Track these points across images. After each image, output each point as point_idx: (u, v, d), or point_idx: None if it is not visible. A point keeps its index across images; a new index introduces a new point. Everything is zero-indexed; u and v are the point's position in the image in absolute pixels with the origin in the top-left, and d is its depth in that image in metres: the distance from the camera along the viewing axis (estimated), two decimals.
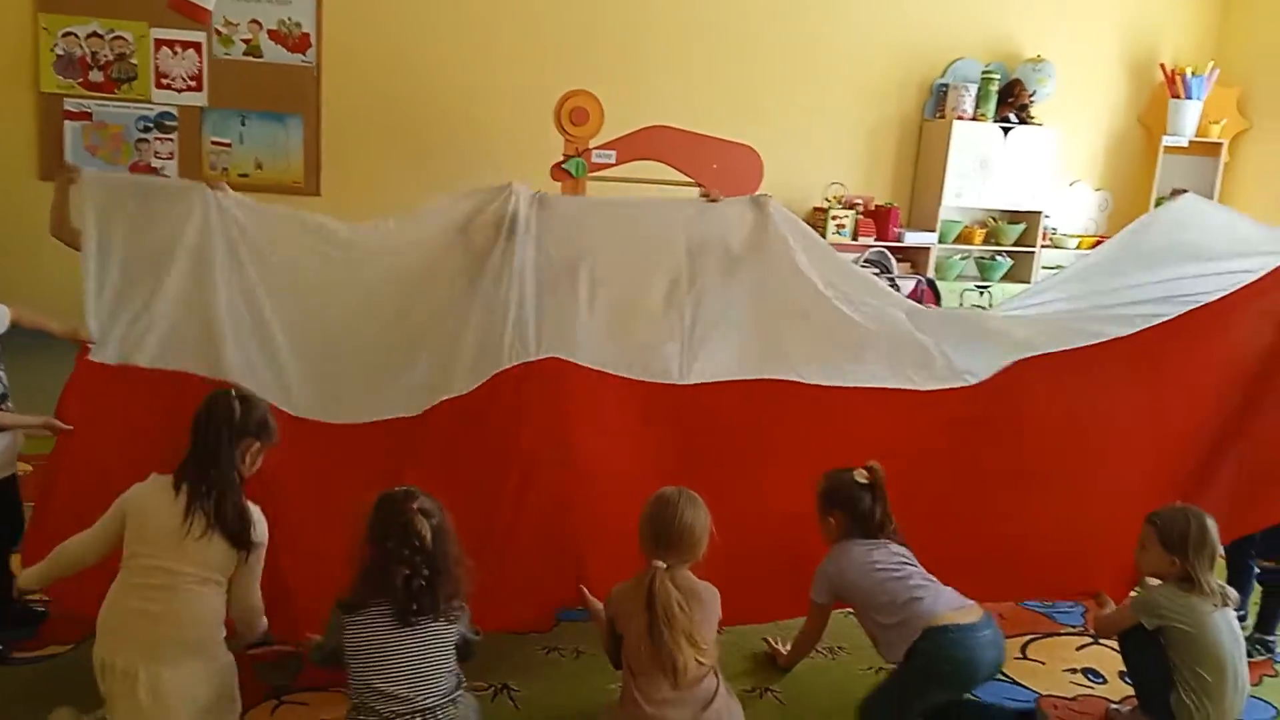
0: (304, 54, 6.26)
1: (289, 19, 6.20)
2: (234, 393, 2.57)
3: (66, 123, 5.94)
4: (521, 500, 3.05)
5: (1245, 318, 3.56)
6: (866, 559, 2.87)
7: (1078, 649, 3.49)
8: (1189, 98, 7.50)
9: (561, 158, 5.53)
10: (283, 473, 2.92)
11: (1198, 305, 3.51)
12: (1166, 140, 7.56)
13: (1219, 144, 7.60)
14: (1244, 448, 3.51)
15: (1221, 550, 3.59)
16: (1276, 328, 3.56)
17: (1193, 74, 7.48)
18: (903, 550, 2.90)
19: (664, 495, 2.60)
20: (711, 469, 3.10)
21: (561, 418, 3.16)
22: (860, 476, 2.91)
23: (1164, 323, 3.49)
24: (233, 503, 2.44)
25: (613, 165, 5.53)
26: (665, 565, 2.49)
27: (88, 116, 5.99)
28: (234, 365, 3.09)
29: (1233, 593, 2.93)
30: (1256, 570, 3.67)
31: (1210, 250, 3.58)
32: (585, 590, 2.88)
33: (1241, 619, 3.66)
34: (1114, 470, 3.37)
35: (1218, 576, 2.92)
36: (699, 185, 5.71)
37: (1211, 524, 2.89)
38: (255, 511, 2.51)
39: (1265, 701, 3.27)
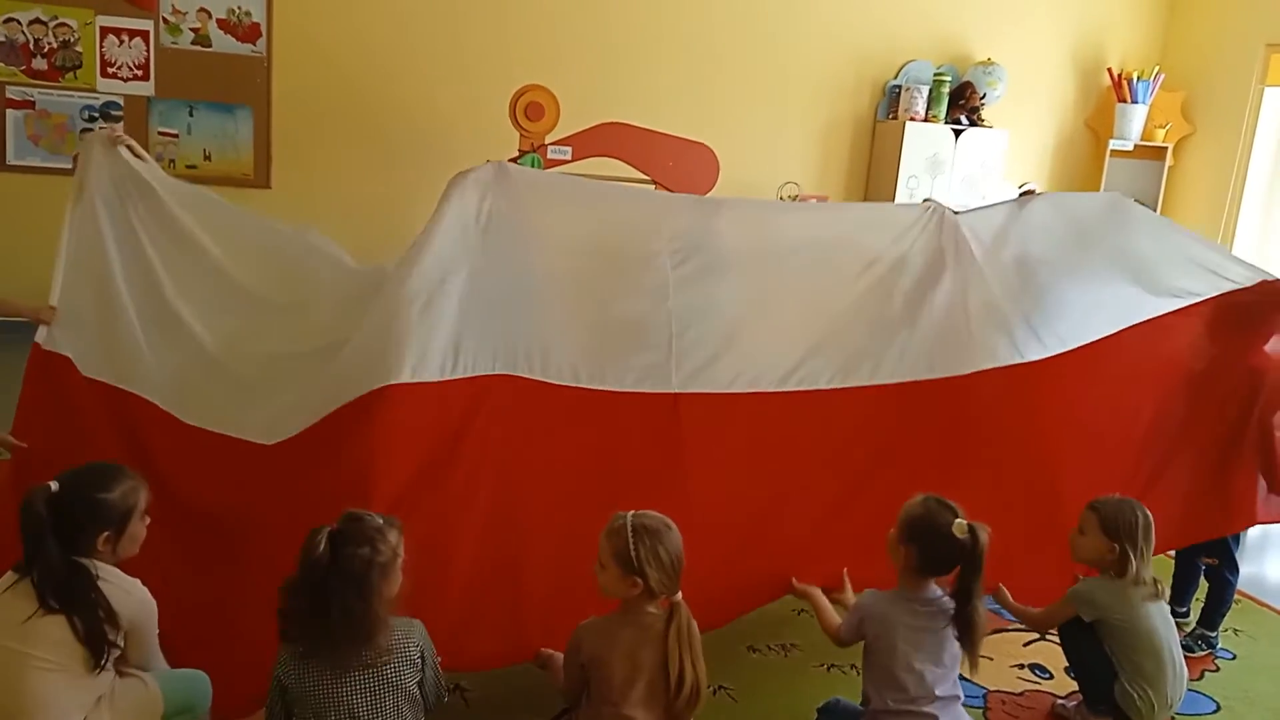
0: (254, 44, 6.15)
1: (238, 8, 6.10)
2: (51, 488, 2.30)
3: (8, 111, 5.78)
4: (468, 534, 2.80)
5: (1184, 337, 3.66)
6: (899, 618, 2.65)
7: (1024, 645, 3.55)
8: (1135, 102, 7.63)
9: (517, 153, 5.50)
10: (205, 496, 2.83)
11: (1139, 322, 3.61)
12: (1113, 144, 7.69)
13: (1164, 148, 7.74)
14: (1179, 466, 3.61)
15: (1172, 551, 3.71)
16: (1215, 344, 3.66)
17: (1139, 78, 7.62)
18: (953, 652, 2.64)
19: (652, 528, 2.40)
20: (701, 480, 3.05)
21: (513, 443, 2.92)
22: (958, 531, 2.56)
23: (1106, 337, 3.59)
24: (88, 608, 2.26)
25: (568, 161, 5.51)
26: (680, 596, 2.42)
27: (30, 105, 5.84)
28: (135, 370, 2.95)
29: (1164, 589, 2.98)
30: (1202, 567, 3.75)
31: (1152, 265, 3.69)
32: (543, 651, 2.72)
33: (1184, 616, 3.75)
34: (1052, 478, 3.42)
35: (1159, 573, 2.99)
36: (654, 182, 5.72)
37: (1151, 517, 2.95)
38: (124, 590, 2.33)
39: (1207, 696, 3.35)
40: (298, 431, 2.89)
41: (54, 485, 2.31)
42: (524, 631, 2.78)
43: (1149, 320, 3.64)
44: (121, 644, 2.32)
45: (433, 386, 2.82)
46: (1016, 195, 3.74)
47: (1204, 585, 3.78)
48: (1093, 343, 3.59)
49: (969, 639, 2.62)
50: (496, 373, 2.92)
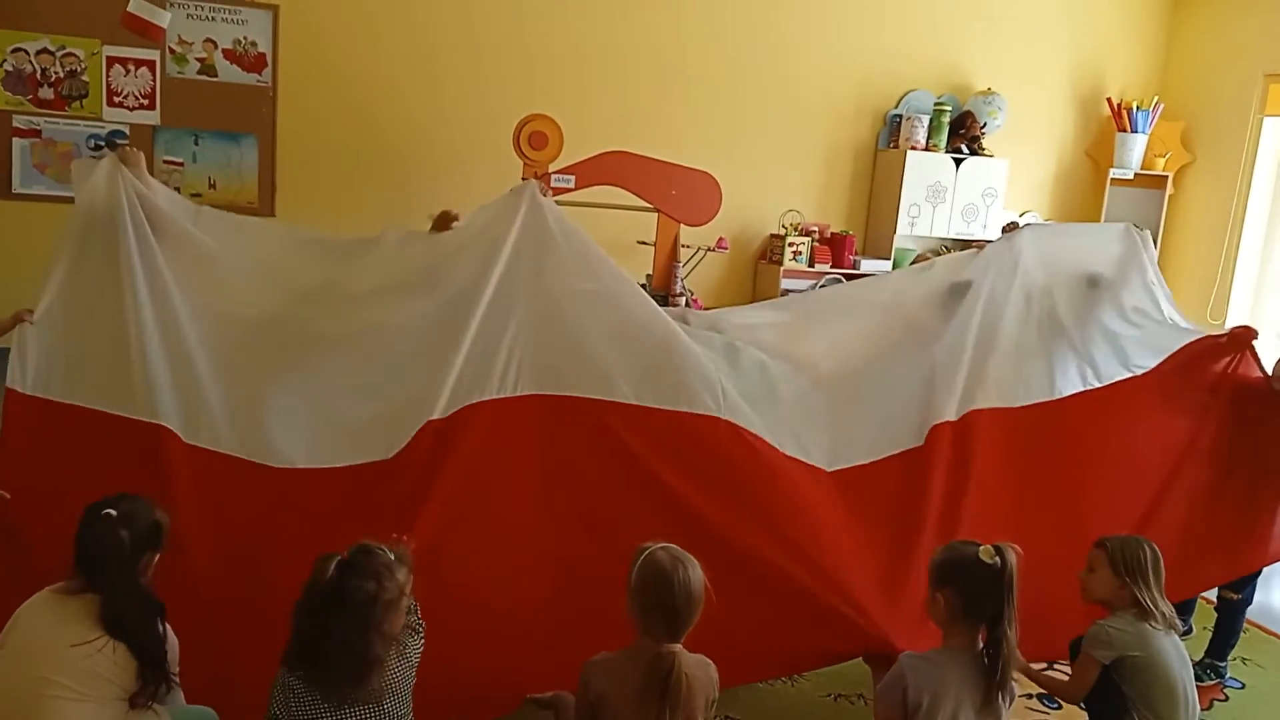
0: (259, 74, 6.19)
1: (244, 38, 6.14)
2: (115, 513, 2.29)
3: (14, 140, 5.81)
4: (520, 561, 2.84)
5: (1173, 388, 3.70)
6: (953, 682, 2.49)
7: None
8: (1135, 131, 7.67)
9: (520, 181, 5.51)
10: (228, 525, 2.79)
11: (1127, 377, 3.64)
12: (1113, 173, 7.72)
13: (1164, 177, 7.77)
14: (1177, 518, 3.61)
15: None
16: (1207, 394, 3.70)
17: (1138, 108, 7.66)
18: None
19: (658, 563, 2.31)
20: (736, 509, 3.03)
21: (559, 463, 2.98)
22: (985, 555, 2.47)
23: (1094, 389, 3.64)
24: (149, 631, 2.27)
25: (572, 190, 5.53)
26: (679, 648, 2.30)
27: (37, 134, 5.87)
28: (155, 400, 2.89)
29: (1178, 622, 2.96)
30: (1214, 598, 3.74)
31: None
32: (542, 696, 2.63)
33: (1188, 634, 3.74)
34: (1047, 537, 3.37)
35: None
36: (656, 210, 5.74)
37: (1158, 550, 2.93)
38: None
39: None
40: (329, 466, 2.91)
41: (112, 512, 2.29)
42: (520, 675, 2.74)
43: (1159, 365, 3.69)
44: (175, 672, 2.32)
45: (483, 406, 2.93)
46: (1001, 231, 3.79)
47: (1207, 613, 3.77)
48: (1119, 382, 3.65)
49: (997, 669, 2.48)
50: (543, 393, 3.04)
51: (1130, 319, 3.77)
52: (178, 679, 2.40)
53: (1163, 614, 2.87)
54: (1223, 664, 3.68)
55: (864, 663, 2.93)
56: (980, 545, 2.52)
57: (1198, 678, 3.42)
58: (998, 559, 2.47)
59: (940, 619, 2.59)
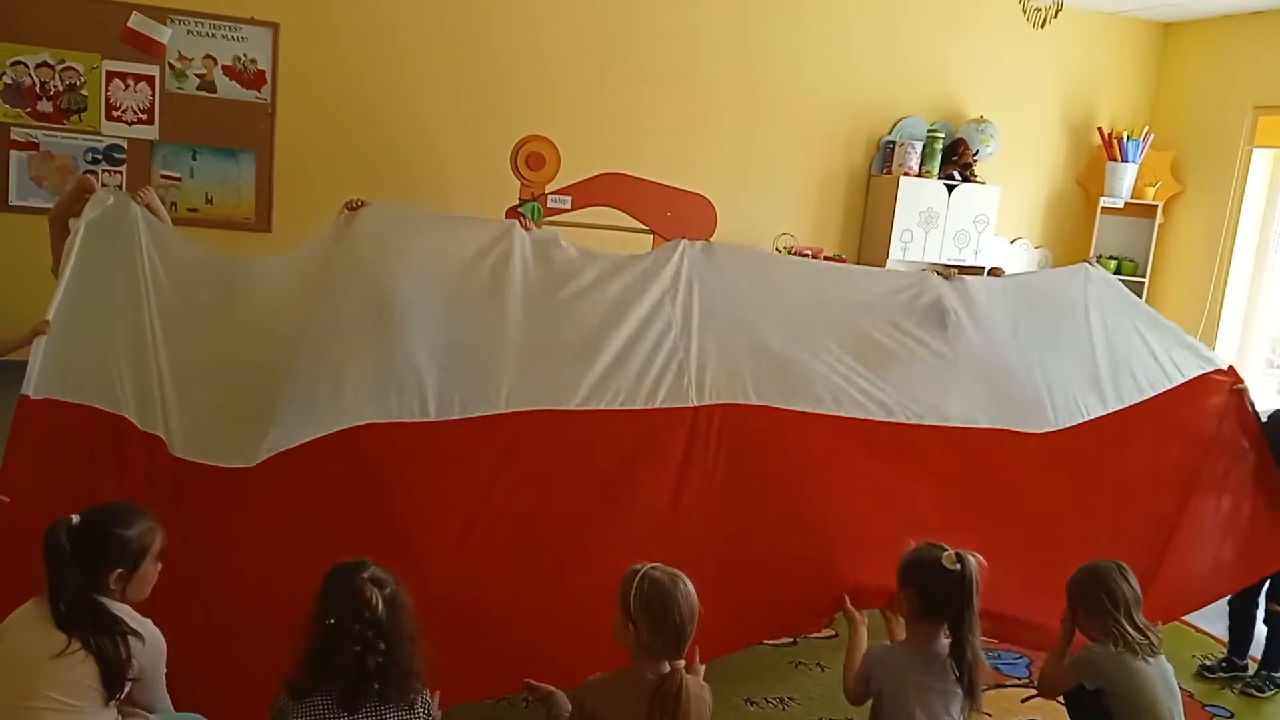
0: (259, 90, 6.23)
1: (244, 55, 6.18)
2: (72, 520, 2.30)
3: (12, 152, 5.84)
4: (477, 561, 2.87)
5: (1168, 421, 3.77)
6: (910, 675, 2.58)
7: (1023, 700, 3.54)
8: (1125, 160, 7.75)
9: (517, 201, 5.55)
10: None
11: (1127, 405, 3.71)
12: (1104, 201, 7.79)
13: (1154, 206, 7.84)
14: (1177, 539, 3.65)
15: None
16: (1208, 423, 3.77)
17: (1129, 138, 7.74)
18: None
19: (659, 582, 2.32)
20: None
21: (532, 467, 3.05)
22: (947, 561, 2.55)
23: (1097, 419, 3.68)
24: (108, 637, 2.25)
25: (568, 210, 5.56)
26: (682, 665, 2.32)
27: (35, 147, 5.89)
28: (137, 399, 2.99)
29: (1152, 643, 2.94)
30: (1263, 613, 3.78)
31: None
32: (540, 685, 2.60)
33: (1243, 670, 3.77)
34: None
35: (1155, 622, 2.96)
36: (652, 232, 5.77)
37: (1119, 572, 2.92)
38: (142, 633, 2.32)
39: None
40: (284, 449, 2.95)
41: (75, 518, 2.30)
42: (512, 660, 2.75)
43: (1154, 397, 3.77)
44: (135, 677, 2.31)
45: (463, 423, 3.04)
46: (985, 273, 3.87)
47: (1179, 636, 3.80)
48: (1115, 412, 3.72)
49: (966, 678, 2.54)
50: (526, 409, 3.13)
51: (1112, 352, 3.85)
52: (164, 686, 2.41)
53: (1129, 634, 2.83)
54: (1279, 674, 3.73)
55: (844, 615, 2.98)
56: (945, 549, 2.58)
57: (1258, 689, 3.51)
58: (958, 565, 2.54)
59: (905, 615, 2.68)
